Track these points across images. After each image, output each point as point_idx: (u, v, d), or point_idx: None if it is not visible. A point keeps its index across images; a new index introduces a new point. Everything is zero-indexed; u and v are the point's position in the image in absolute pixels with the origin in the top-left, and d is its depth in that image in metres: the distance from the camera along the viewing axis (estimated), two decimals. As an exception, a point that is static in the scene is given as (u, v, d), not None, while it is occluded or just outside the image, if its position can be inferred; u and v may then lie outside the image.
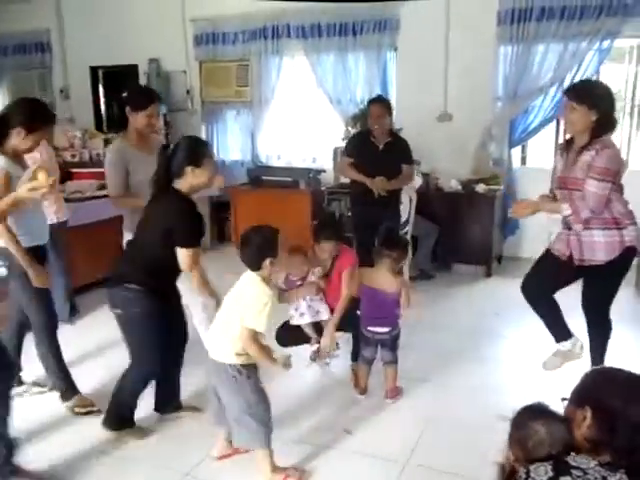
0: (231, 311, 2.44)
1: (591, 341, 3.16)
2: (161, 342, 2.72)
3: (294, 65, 6.57)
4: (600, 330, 3.12)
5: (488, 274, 5.46)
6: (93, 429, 2.88)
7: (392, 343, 3.24)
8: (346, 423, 2.98)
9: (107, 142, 6.25)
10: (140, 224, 2.75)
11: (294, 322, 3.47)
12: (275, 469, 2.52)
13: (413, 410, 3.13)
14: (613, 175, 2.79)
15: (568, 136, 3.12)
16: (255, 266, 2.42)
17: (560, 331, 3.20)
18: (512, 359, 3.75)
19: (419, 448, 2.77)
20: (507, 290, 5.07)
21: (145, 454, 2.76)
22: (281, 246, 2.44)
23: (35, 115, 2.80)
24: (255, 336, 2.40)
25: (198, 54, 6.92)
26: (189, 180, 2.62)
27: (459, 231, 5.40)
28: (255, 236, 2.44)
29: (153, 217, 2.68)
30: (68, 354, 3.24)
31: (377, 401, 3.21)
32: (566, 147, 3.08)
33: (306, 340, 3.59)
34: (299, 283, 3.43)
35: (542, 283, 3.16)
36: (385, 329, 3.19)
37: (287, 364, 2.52)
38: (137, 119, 3.25)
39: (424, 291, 5.02)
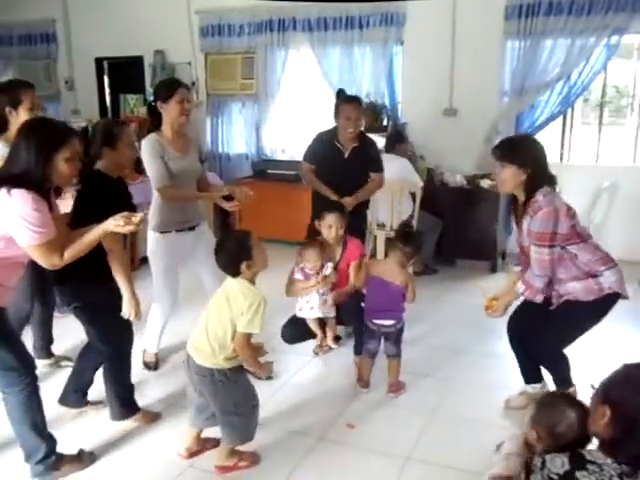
0: (220, 316, 2.42)
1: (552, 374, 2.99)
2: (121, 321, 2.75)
3: (300, 58, 6.55)
4: (556, 367, 2.95)
5: (493, 270, 5.45)
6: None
7: (396, 336, 3.25)
8: (349, 417, 2.99)
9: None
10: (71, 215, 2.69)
11: (302, 315, 3.49)
12: (231, 452, 2.57)
13: (416, 405, 3.14)
14: (549, 239, 2.63)
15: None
16: (233, 272, 2.42)
17: (531, 373, 3.09)
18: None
19: (422, 443, 2.78)
20: (511, 286, 5.09)
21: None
22: (257, 247, 2.43)
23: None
24: (249, 340, 2.43)
25: (204, 46, 6.90)
26: (106, 161, 2.73)
27: (464, 226, 5.38)
28: (227, 243, 2.48)
29: (77, 203, 2.70)
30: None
31: (380, 395, 3.22)
32: (514, 210, 2.95)
33: (312, 336, 3.60)
34: (314, 275, 3.44)
35: (519, 323, 3.02)
36: (390, 322, 3.20)
37: (270, 371, 2.66)
38: (170, 110, 3.19)
39: (428, 286, 5.02)
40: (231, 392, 2.47)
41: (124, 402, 2.92)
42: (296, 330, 3.65)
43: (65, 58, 7.73)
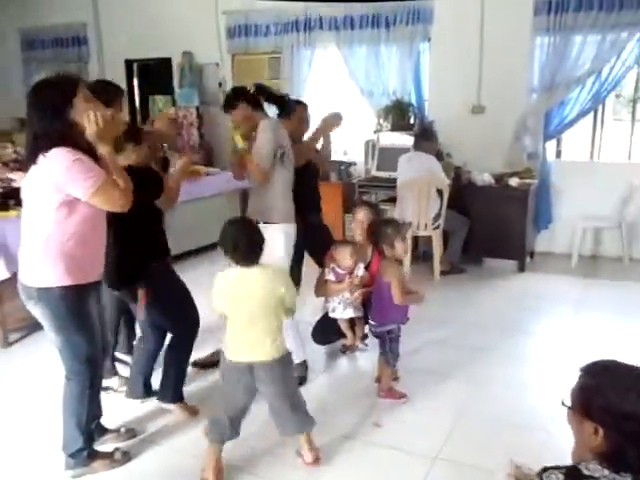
0: (267, 310, 2.40)
1: None
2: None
3: (326, 57, 6.57)
4: None
5: (521, 269, 5.40)
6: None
7: (384, 340, 3.14)
8: (376, 416, 3.00)
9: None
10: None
11: (335, 315, 3.46)
12: (310, 441, 2.63)
13: (442, 405, 3.13)
14: None
15: None
16: (256, 259, 2.41)
17: None
18: (543, 356, 3.70)
19: (448, 443, 2.77)
20: (539, 286, 5.04)
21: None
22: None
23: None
24: None
25: (230, 46, 6.97)
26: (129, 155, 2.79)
27: (491, 225, 5.34)
28: (250, 231, 2.46)
29: None
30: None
31: (407, 395, 3.21)
32: None
33: (342, 336, 3.60)
34: (347, 275, 3.37)
35: None
36: (373, 322, 3.16)
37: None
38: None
39: (455, 285, 5.01)
40: (291, 377, 2.56)
41: (177, 386, 3.02)
42: (327, 331, 3.64)
43: (96, 61, 7.88)
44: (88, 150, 2.27)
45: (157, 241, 2.91)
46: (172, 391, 3.02)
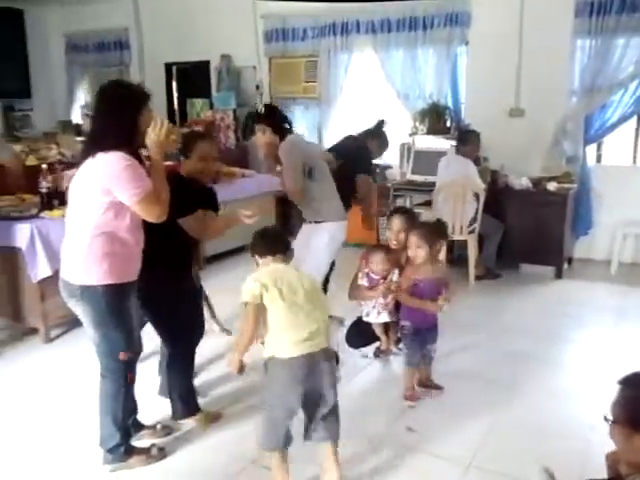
0: (320, 301, 2.42)
1: None
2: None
3: (362, 60, 6.58)
4: None
5: (558, 275, 5.30)
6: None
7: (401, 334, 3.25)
8: (410, 421, 2.99)
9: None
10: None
11: (369, 320, 3.47)
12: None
13: (477, 411, 3.09)
14: None
15: None
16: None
17: None
18: (581, 364, 3.64)
19: (483, 450, 2.74)
20: (578, 293, 4.95)
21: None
22: None
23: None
24: None
25: (268, 50, 7.04)
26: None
27: (529, 230, 5.26)
28: (280, 232, 2.64)
29: None
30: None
31: (441, 399, 3.19)
32: None
33: (375, 339, 3.61)
34: (380, 280, 3.36)
35: None
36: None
37: None
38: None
39: (490, 291, 4.95)
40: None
41: (186, 401, 2.96)
42: (361, 334, 3.64)
43: (137, 64, 8.05)
44: (137, 157, 2.38)
45: (174, 250, 2.78)
46: (183, 407, 2.96)
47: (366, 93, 6.63)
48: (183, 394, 2.95)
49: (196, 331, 2.95)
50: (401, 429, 2.92)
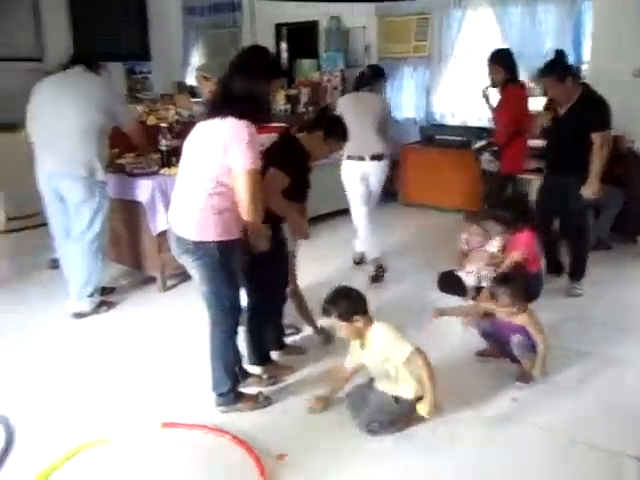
0: None
1: None
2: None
3: (477, 18, 6.30)
4: None
5: (681, 251, 4.91)
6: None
7: None
8: (513, 392, 2.94)
9: (289, 98, 6.55)
10: None
11: (466, 280, 3.72)
12: None
13: (584, 384, 3.00)
14: None
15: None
16: None
17: None
18: None
19: (587, 424, 2.67)
20: None
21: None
22: None
23: None
24: None
25: (378, 9, 6.91)
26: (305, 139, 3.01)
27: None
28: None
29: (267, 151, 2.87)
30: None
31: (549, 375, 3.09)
32: None
33: (464, 293, 3.76)
34: (479, 247, 3.63)
35: None
36: None
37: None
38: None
39: (600, 262, 4.63)
40: None
41: (255, 350, 3.09)
42: (452, 281, 3.85)
43: (249, 26, 8.18)
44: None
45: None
46: (252, 354, 3.08)
47: (479, 52, 6.36)
48: (256, 342, 3.07)
49: (282, 286, 3.13)
50: (506, 400, 2.88)
